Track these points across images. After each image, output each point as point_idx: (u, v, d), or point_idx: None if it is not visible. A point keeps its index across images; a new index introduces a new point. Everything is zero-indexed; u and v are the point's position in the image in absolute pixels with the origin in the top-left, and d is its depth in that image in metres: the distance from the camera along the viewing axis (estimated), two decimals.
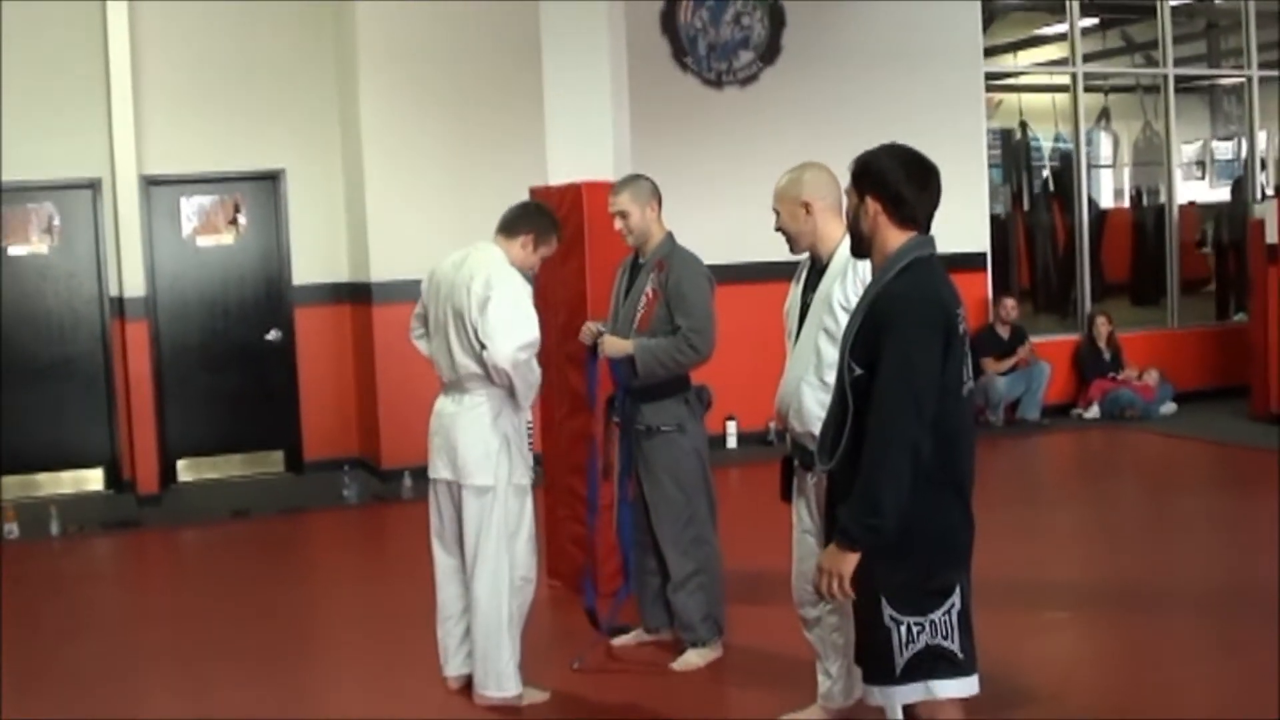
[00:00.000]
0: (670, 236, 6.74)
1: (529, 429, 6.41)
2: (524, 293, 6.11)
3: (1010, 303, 14.07)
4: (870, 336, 3.94)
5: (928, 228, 4.09)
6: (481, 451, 6.12)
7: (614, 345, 6.64)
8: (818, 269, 5.49)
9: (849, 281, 5.24)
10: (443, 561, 6.39)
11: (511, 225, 6.32)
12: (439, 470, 6.28)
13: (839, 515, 3.95)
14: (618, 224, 6.72)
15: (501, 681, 6.17)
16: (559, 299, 7.90)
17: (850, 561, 3.93)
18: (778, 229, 5.57)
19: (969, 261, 13.76)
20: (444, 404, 6.30)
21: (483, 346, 5.99)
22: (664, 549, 6.70)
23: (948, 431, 3.93)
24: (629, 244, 6.78)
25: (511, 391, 6.10)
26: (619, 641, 7.03)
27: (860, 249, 4.19)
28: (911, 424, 3.84)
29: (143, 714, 6.58)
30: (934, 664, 3.97)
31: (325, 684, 7.08)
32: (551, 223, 6.42)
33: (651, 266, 6.65)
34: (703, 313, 6.53)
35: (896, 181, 4.04)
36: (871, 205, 4.07)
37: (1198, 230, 18.03)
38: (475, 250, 6.25)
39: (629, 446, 6.74)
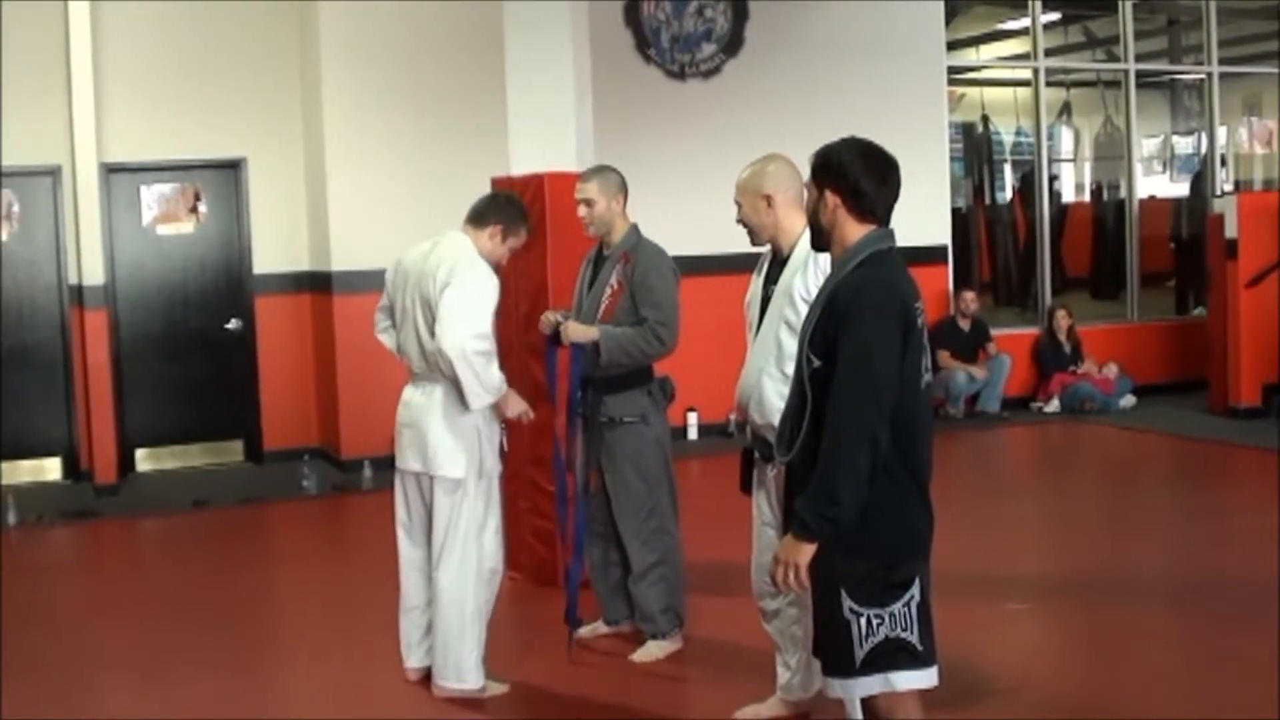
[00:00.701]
0: (635, 228, 6.72)
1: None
2: (488, 284, 6.08)
3: (969, 295, 14.11)
4: (829, 328, 3.94)
5: (887, 221, 4.10)
6: (452, 443, 6.09)
7: (578, 331, 6.60)
8: (779, 261, 5.50)
9: (810, 274, 5.25)
10: (408, 553, 6.36)
11: (480, 215, 6.30)
12: (408, 461, 6.24)
13: (796, 506, 3.95)
14: (581, 211, 6.69)
15: (462, 673, 6.15)
16: (521, 289, 7.88)
17: (807, 552, 3.93)
18: (739, 221, 5.58)
19: (930, 254, 13.81)
20: (412, 395, 6.26)
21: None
22: (625, 540, 6.69)
23: (906, 423, 3.93)
24: (589, 234, 6.77)
25: (456, 383, 6.02)
26: (579, 633, 7.02)
27: (820, 242, 4.20)
28: (870, 415, 3.84)
29: (101, 706, 6.54)
30: (894, 656, 3.98)
31: (284, 675, 7.06)
32: (520, 214, 6.40)
33: (617, 258, 6.63)
34: (669, 305, 6.53)
35: (856, 175, 4.04)
36: (830, 198, 4.07)
37: (1168, 224, 18.06)
38: (444, 239, 6.22)
39: (591, 438, 6.73)
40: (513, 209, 6.38)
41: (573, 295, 6.95)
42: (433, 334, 6.02)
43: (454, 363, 5.91)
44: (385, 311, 6.43)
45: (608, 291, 6.61)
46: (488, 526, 6.23)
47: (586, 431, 6.75)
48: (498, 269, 6.26)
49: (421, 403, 6.18)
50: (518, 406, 6.32)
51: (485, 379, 6.02)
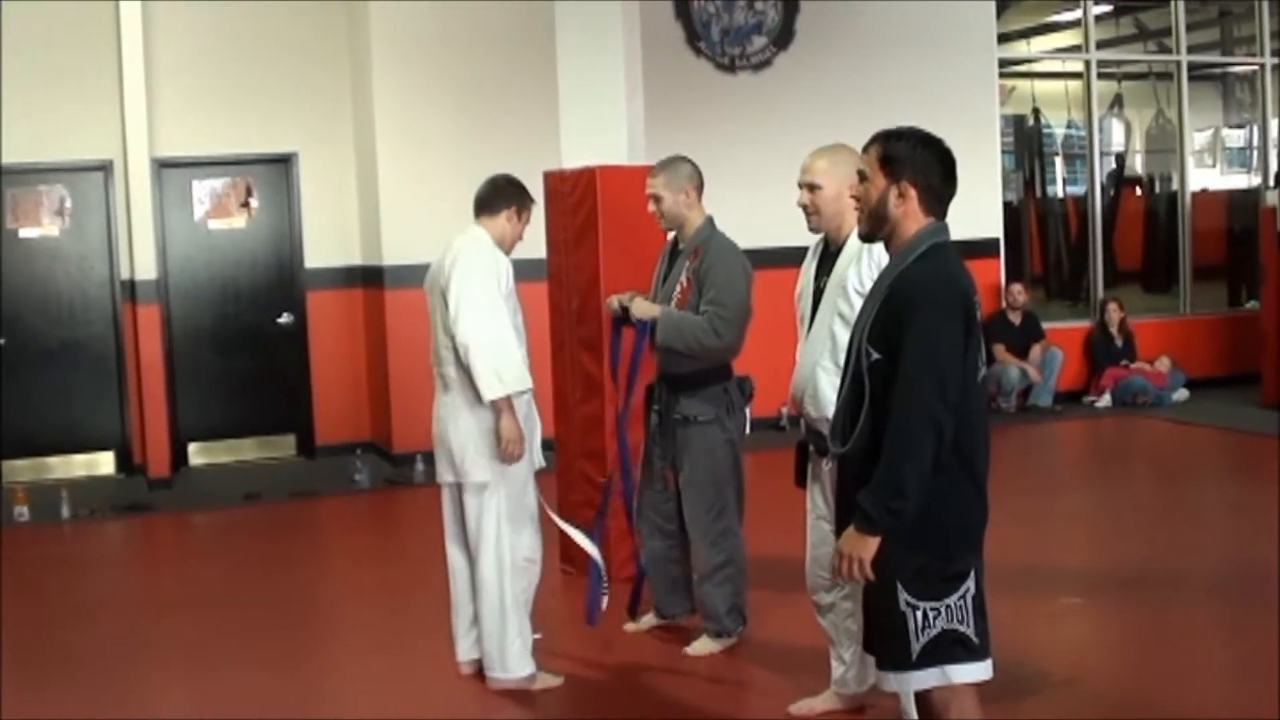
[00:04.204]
0: (709, 222, 6.65)
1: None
2: (492, 269, 6.07)
3: (1016, 288, 14.03)
4: (889, 321, 3.92)
5: (944, 215, 4.08)
6: (472, 448, 6.09)
7: (641, 307, 6.58)
8: (831, 253, 5.47)
9: (864, 266, 5.22)
10: (457, 562, 6.35)
11: (490, 203, 6.32)
12: (444, 474, 6.27)
13: (860, 499, 3.92)
14: (650, 207, 6.66)
15: (507, 663, 6.16)
16: (573, 283, 7.88)
17: (871, 545, 3.91)
18: (800, 205, 5.53)
19: (982, 248, 13.75)
20: (438, 407, 6.28)
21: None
22: (694, 540, 6.63)
23: (965, 416, 3.90)
24: (661, 227, 6.74)
25: (469, 374, 5.97)
26: (632, 627, 7.01)
27: (876, 232, 4.14)
28: (936, 407, 3.82)
29: (151, 700, 6.59)
30: (950, 649, 3.96)
31: (337, 668, 7.08)
32: (521, 188, 6.42)
33: (688, 253, 6.58)
34: (732, 300, 6.41)
35: (932, 170, 4.03)
36: (910, 191, 4.03)
37: (1221, 217, 17.89)
38: (459, 236, 6.26)
39: (665, 436, 6.69)
40: (513, 188, 6.41)
41: (649, 286, 6.87)
42: (448, 332, 6.04)
43: (469, 352, 5.91)
44: None
45: (678, 288, 6.54)
46: (522, 518, 6.23)
47: (660, 429, 6.72)
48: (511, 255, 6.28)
49: (444, 415, 6.21)
50: (512, 431, 6.01)
51: (501, 367, 5.96)
